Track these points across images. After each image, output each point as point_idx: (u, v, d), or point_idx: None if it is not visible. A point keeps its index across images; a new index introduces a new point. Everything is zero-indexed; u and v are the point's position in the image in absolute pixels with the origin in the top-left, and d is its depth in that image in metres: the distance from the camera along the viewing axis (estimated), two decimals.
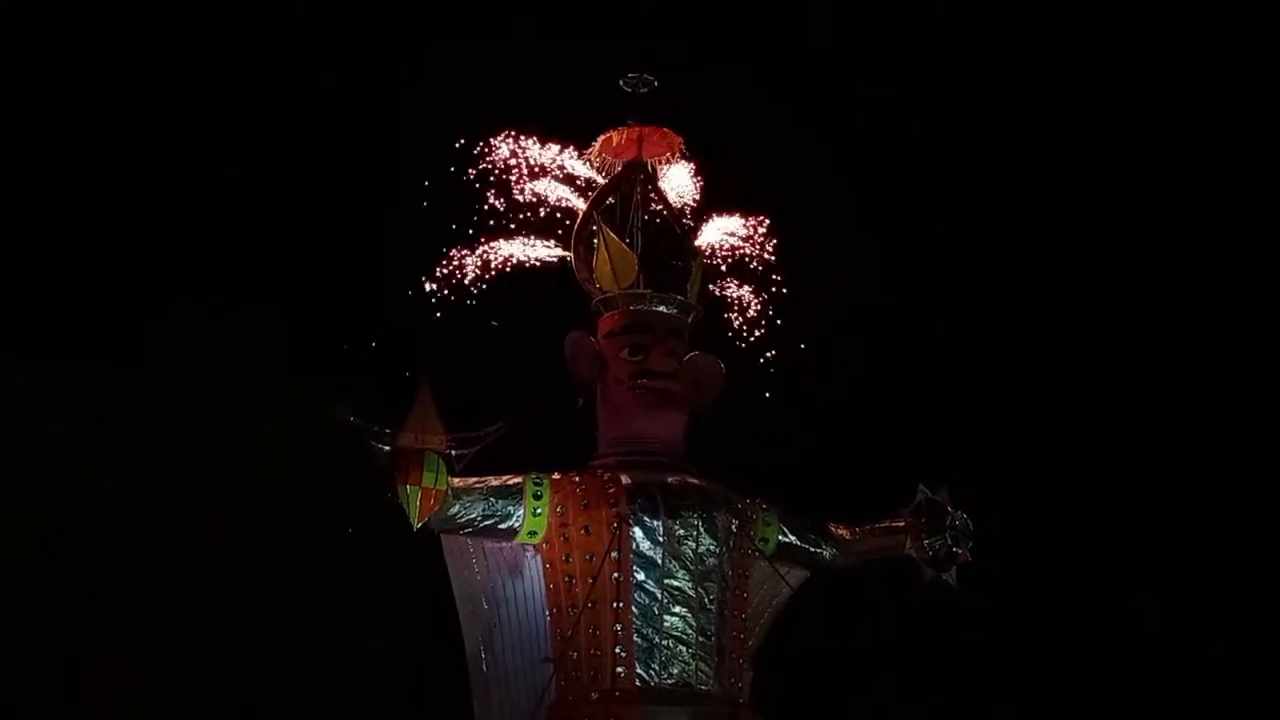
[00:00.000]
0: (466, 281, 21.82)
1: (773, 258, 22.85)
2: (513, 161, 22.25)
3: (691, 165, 22.92)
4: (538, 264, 22.08)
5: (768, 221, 23.01)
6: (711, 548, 20.23)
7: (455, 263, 21.87)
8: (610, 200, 21.98)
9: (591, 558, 19.88)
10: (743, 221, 23.04)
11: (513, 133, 22.43)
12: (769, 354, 22.65)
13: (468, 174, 22.20)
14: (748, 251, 22.94)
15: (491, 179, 22.16)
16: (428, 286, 21.66)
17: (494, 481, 20.07)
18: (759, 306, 22.80)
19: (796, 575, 21.92)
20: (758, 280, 22.85)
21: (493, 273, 21.95)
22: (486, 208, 22.11)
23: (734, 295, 22.78)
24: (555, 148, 22.52)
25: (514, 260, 22.02)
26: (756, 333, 22.74)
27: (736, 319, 22.71)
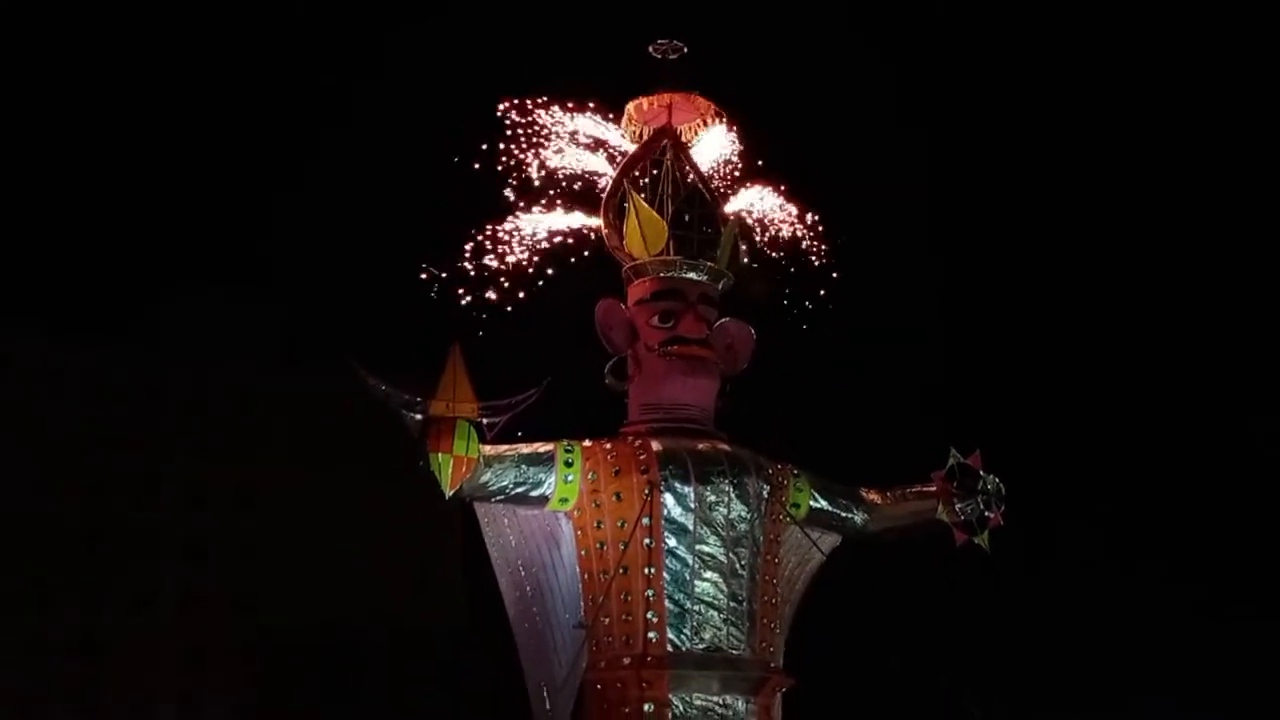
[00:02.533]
0: (498, 251, 21.82)
1: (804, 227, 22.78)
2: (543, 130, 22.21)
3: (725, 129, 22.83)
4: (569, 232, 22.04)
5: (801, 188, 22.99)
6: (743, 513, 20.28)
7: (487, 233, 21.86)
8: (640, 168, 21.96)
9: (623, 524, 19.97)
10: (776, 188, 22.97)
11: (543, 100, 22.38)
12: (804, 312, 22.59)
13: (498, 143, 22.16)
14: (780, 218, 22.87)
15: (522, 147, 22.12)
16: (459, 262, 21.67)
17: (525, 449, 20.13)
18: (791, 273, 22.75)
19: (828, 540, 21.94)
20: (790, 247, 22.78)
21: (524, 243, 21.93)
22: (517, 177, 22.07)
23: (767, 262, 22.73)
24: (586, 116, 22.46)
25: (545, 229, 21.99)
26: (789, 299, 22.70)
27: (770, 286, 22.67)
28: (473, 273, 21.63)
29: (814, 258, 22.64)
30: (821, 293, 22.60)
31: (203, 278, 75.81)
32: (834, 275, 22.53)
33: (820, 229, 22.73)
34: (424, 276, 20.33)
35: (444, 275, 21.00)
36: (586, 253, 22.04)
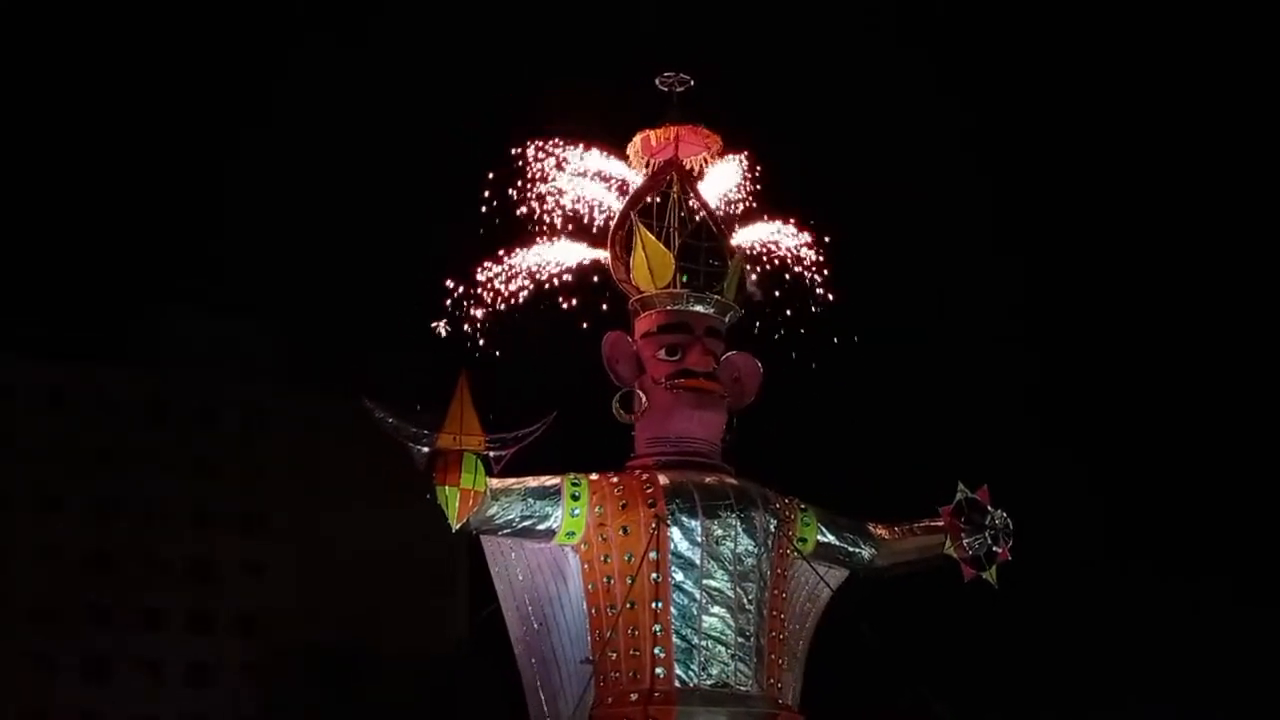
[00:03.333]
0: (506, 284, 21.79)
1: (811, 259, 22.73)
2: (550, 162, 22.20)
3: (733, 163, 22.82)
4: (576, 266, 22.02)
5: (808, 223, 22.94)
6: (750, 548, 20.20)
7: (495, 267, 21.84)
8: (647, 200, 21.94)
9: (630, 558, 19.89)
10: (783, 223, 22.94)
11: (550, 133, 22.38)
12: (803, 353, 22.54)
13: (506, 175, 22.17)
14: (788, 252, 22.83)
15: (530, 179, 22.12)
16: (468, 290, 21.65)
17: (532, 482, 20.07)
18: (797, 307, 22.70)
19: (836, 575, 21.83)
20: (797, 280, 22.74)
21: (531, 275, 21.90)
22: (526, 208, 22.06)
23: (772, 295, 22.68)
24: (592, 148, 22.45)
25: (552, 262, 21.97)
26: (797, 331, 22.64)
27: (775, 318, 22.62)
28: (480, 305, 21.62)
29: (819, 290, 22.59)
30: (829, 326, 22.56)
31: (208, 298, 76.01)
32: (837, 306, 22.47)
33: (826, 262, 22.67)
34: (438, 326, 20.24)
35: (449, 328, 20.92)
36: (594, 285, 22.00)
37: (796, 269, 22.54)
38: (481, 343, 21.50)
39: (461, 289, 21.65)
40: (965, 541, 22.00)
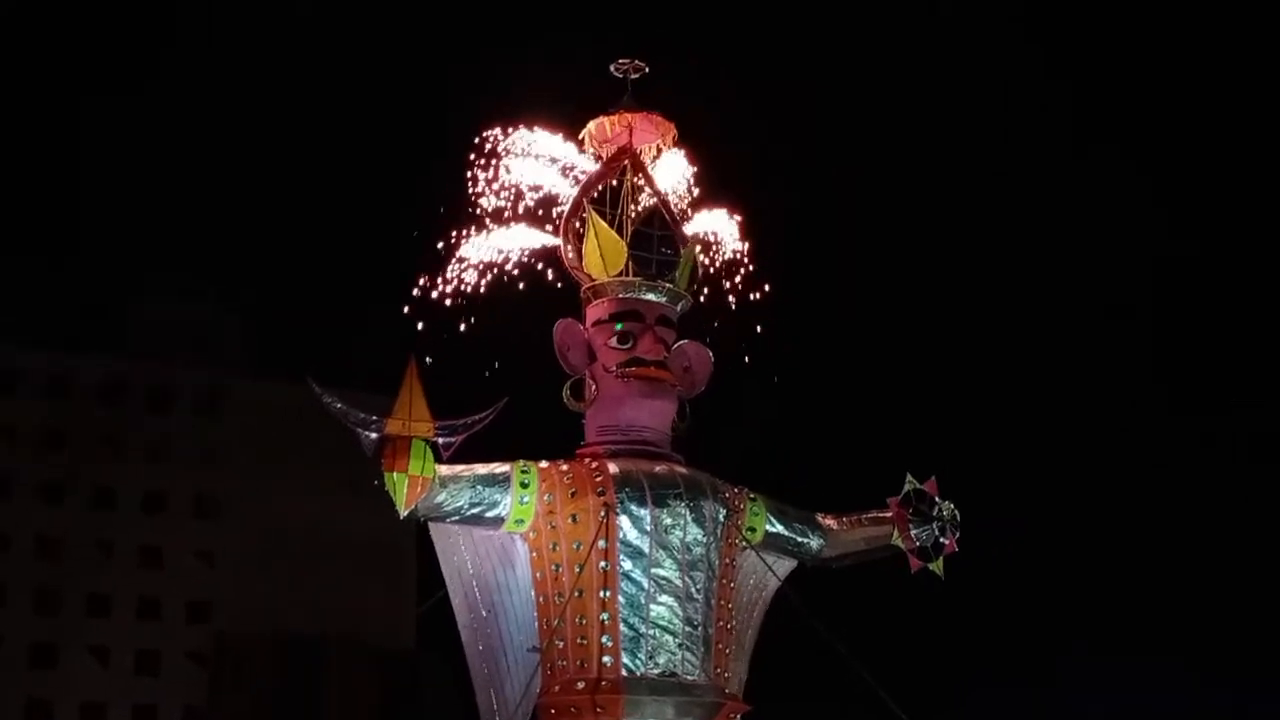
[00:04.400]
0: (456, 268, 21.72)
1: (757, 250, 22.76)
2: (503, 147, 22.12)
3: (685, 152, 22.80)
4: (527, 251, 21.96)
5: (755, 213, 22.97)
6: (699, 537, 20.19)
7: (445, 249, 21.77)
8: (600, 188, 21.90)
9: (579, 546, 19.87)
10: (732, 212, 22.95)
11: (503, 121, 22.31)
12: (754, 343, 22.57)
13: (459, 160, 22.12)
14: (735, 243, 22.84)
15: (482, 164, 22.05)
16: (425, 276, 21.59)
17: (481, 470, 20.01)
18: (746, 296, 22.71)
19: (784, 565, 21.87)
20: (745, 270, 22.75)
21: (482, 261, 21.84)
22: (477, 194, 21.99)
23: (722, 285, 22.68)
24: (546, 134, 22.38)
25: (504, 247, 21.90)
26: (744, 322, 22.65)
27: (725, 307, 22.63)
28: (431, 290, 21.54)
29: (760, 281, 22.61)
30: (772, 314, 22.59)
31: (169, 282, 75.42)
32: (783, 297, 22.51)
33: (769, 252, 22.72)
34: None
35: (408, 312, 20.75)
36: (546, 271, 21.96)
37: (740, 258, 22.57)
38: (436, 331, 21.43)
39: (418, 275, 21.58)
40: (913, 533, 22.07)
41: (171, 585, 71.57)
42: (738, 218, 22.93)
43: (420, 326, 21.26)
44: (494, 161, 22.04)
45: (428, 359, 19.51)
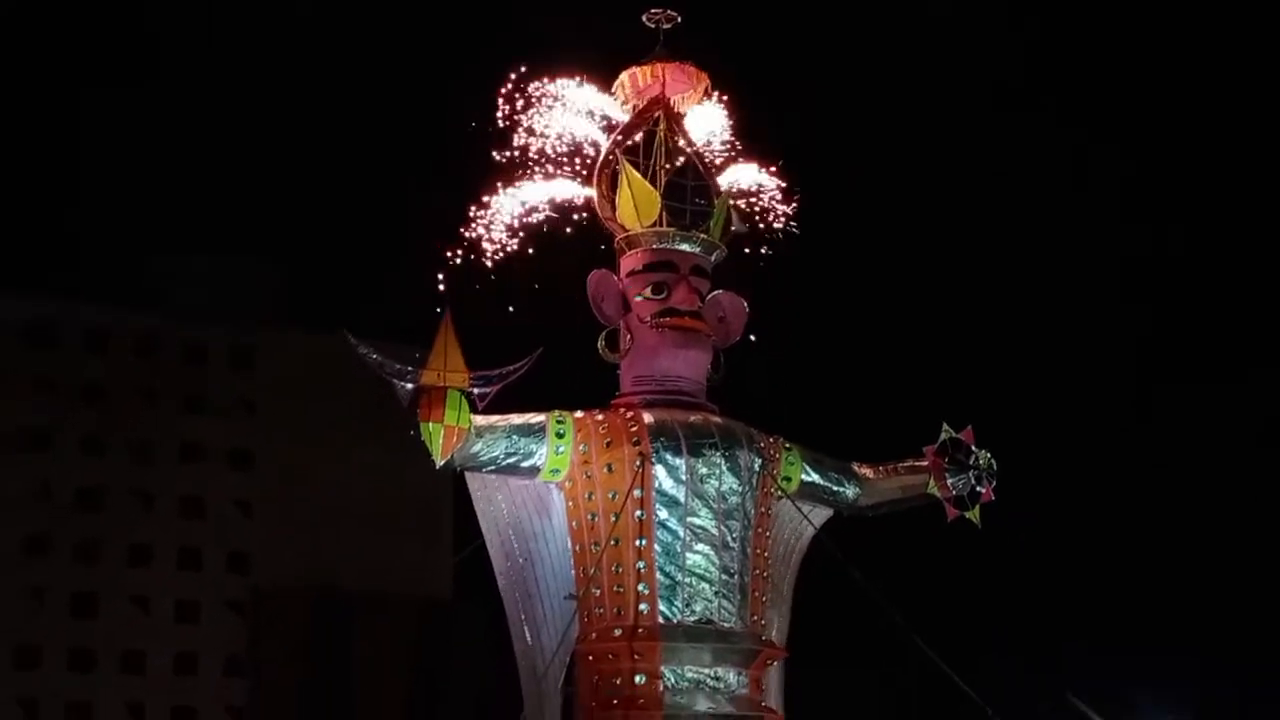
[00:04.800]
0: (492, 220, 21.72)
1: (795, 200, 22.68)
2: (538, 99, 22.07)
3: (719, 101, 22.70)
4: (562, 203, 21.94)
5: (789, 163, 22.87)
6: (734, 486, 20.25)
7: (481, 202, 21.77)
8: (633, 138, 21.83)
9: (614, 495, 19.97)
10: (768, 162, 22.86)
11: (536, 70, 22.24)
12: (781, 293, 22.53)
13: (494, 111, 22.05)
14: (773, 191, 22.76)
15: (515, 117, 22.00)
16: (459, 228, 21.59)
17: (517, 420, 20.09)
18: (782, 243, 22.66)
19: (820, 514, 21.92)
20: (782, 218, 22.69)
21: (518, 213, 21.82)
22: (512, 145, 21.95)
23: (758, 233, 22.62)
24: (580, 85, 22.31)
25: (539, 199, 21.88)
26: (781, 269, 22.62)
27: (761, 256, 22.58)
28: (465, 241, 21.56)
29: (798, 231, 22.54)
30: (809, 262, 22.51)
31: (204, 234, 75.68)
32: (820, 246, 22.43)
33: (802, 201, 22.62)
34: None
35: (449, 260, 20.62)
36: (580, 222, 21.95)
37: (776, 209, 22.50)
38: (471, 283, 21.46)
39: (453, 227, 21.62)
40: (949, 481, 22.06)
41: (211, 535, 72.15)
42: (771, 169, 22.83)
43: (455, 278, 21.29)
44: (528, 112, 22.00)
45: (452, 311, 19.47)
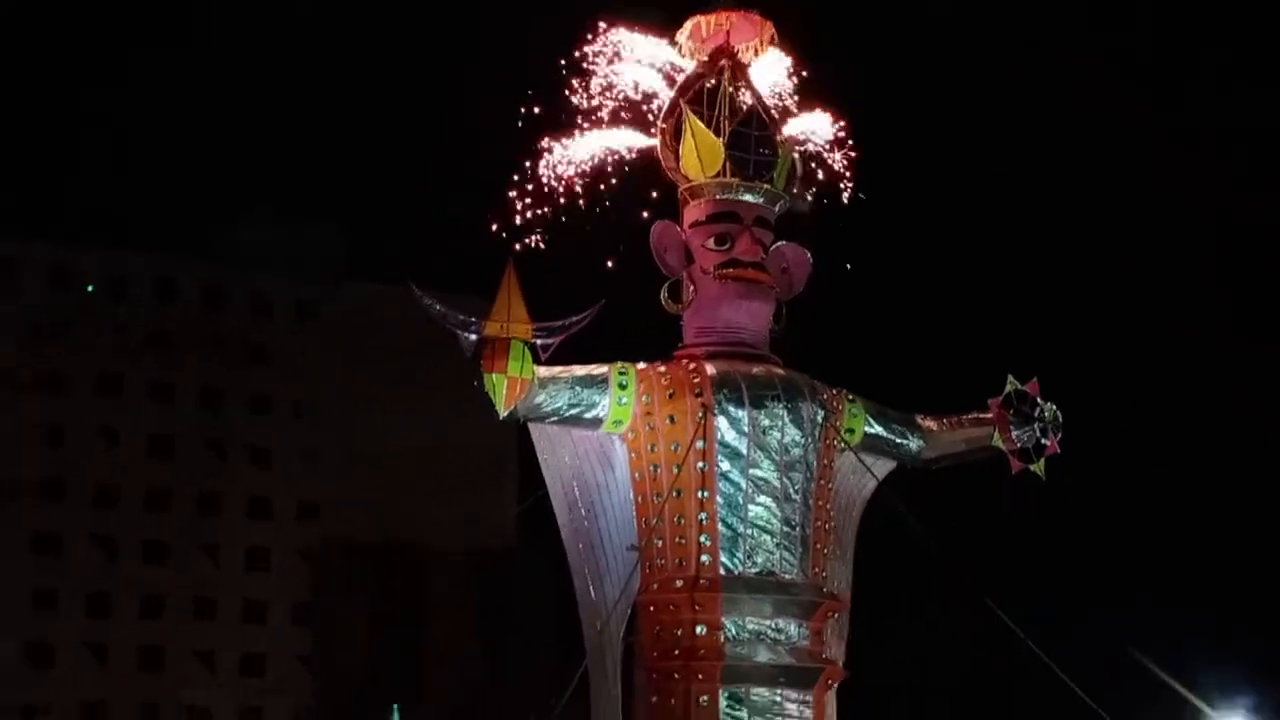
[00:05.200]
0: (555, 170, 21.69)
1: (856, 154, 22.50)
2: (600, 47, 21.98)
3: (784, 52, 22.52)
4: (626, 152, 21.86)
5: (855, 114, 22.68)
6: (797, 438, 20.21)
7: (544, 150, 21.73)
8: (697, 88, 21.69)
9: (676, 447, 19.96)
10: (832, 114, 22.67)
11: (601, 19, 22.13)
12: (845, 247, 22.40)
13: (556, 59, 21.99)
14: (836, 144, 22.58)
15: (580, 66, 21.92)
16: (522, 179, 21.55)
17: (579, 371, 20.11)
18: (849, 197, 22.50)
19: (883, 466, 21.83)
20: (848, 172, 22.52)
21: (581, 162, 21.78)
22: (574, 93, 21.88)
23: (823, 186, 22.47)
24: (643, 35, 22.19)
25: (602, 148, 21.82)
26: (842, 225, 22.47)
27: (825, 208, 22.44)
28: (529, 192, 21.54)
29: (861, 187, 22.36)
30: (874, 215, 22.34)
31: (267, 193, 76.26)
32: (887, 200, 22.22)
33: (867, 155, 22.44)
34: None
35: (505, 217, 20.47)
36: (643, 173, 21.87)
37: (840, 163, 22.33)
38: (534, 233, 21.45)
39: (515, 178, 21.59)
40: (1014, 434, 21.89)
41: (279, 485, 72.90)
42: (839, 121, 22.64)
43: (518, 229, 21.29)
44: (592, 61, 21.92)
45: (516, 262, 19.46)
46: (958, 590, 20.72)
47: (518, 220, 21.44)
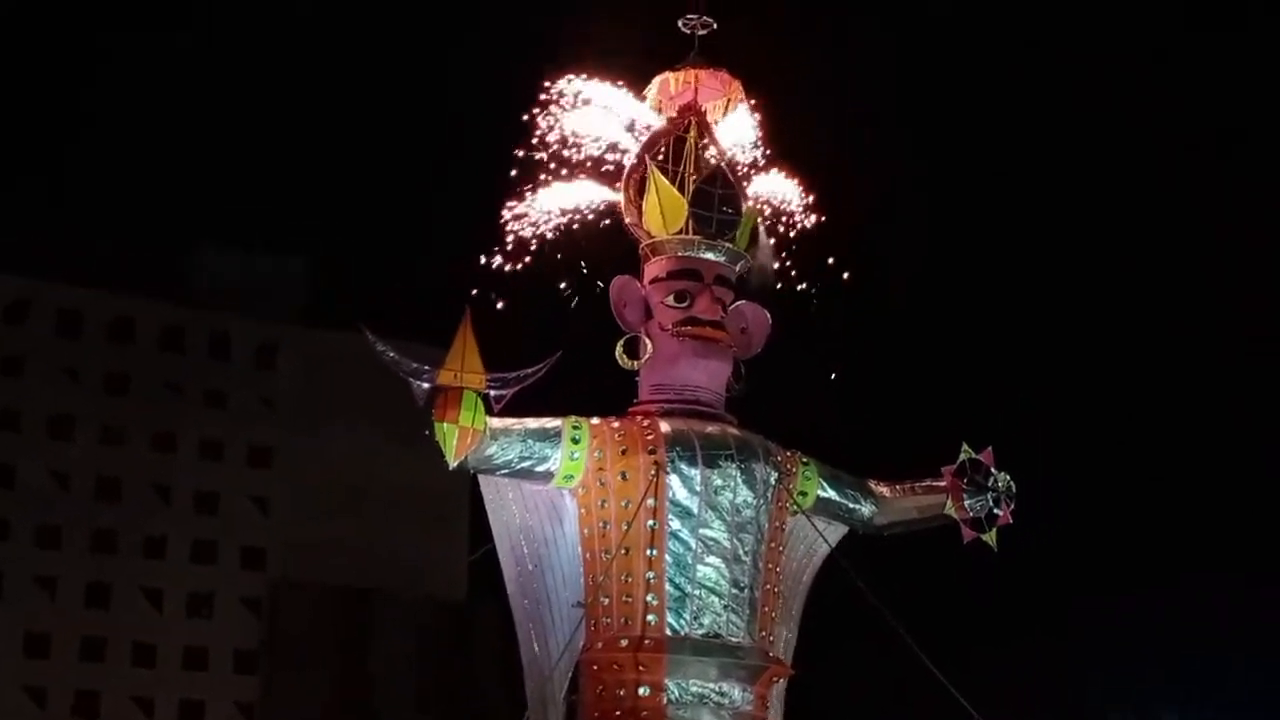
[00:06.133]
0: (516, 221, 21.55)
1: (821, 217, 22.45)
2: (566, 99, 21.89)
3: (751, 111, 22.48)
4: (587, 206, 21.75)
5: (820, 176, 22.66)
6: (749, 499, 20.03)
7: (505, 203, 21.61)
8: (663, 145, 21.62)
9: (627, 504, 19.74)
10: (795, 176, 22.64)
11: (568, 70, 22.05)
12: (814, 303, 22.28)
13: (522, 110, 21.90)
14: (798, 208, 22.53)
15: (545, 116, 21.82)
16: (485, 229, 21.44)
17: (533, 424, 19.90)
18: (806, 259, 22.42)
19: (835, 531, 21.67)
20: (806, 232, 22.46)
21: (542, 214, 21.65)
22: (538, 146, 21.77)
23: (782, 247, 22.38)
24: (611, 86, 22.13)
25: (564, 201, 21.71)
26: (803, 287, 22.36)
27: (784, 272, 22.34)
28: (490, 242, 21.42)
29: (825, 245, 22.31)
30: (835, 279, 22.26)
31: (231, 231, 75.92)
32: (844, 267, 22.16)
33: (829, 217, 22.39)
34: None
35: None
36: (605, 226, 21.76)
37: (801, 224, 22.28)
38: (493, 284, 21.28)
39: (479, 227, 21.48)
40: (967, 503, 21.77)
41: (227, 530, 72.17)
42: (799, 183, 22.61)
43: (477, 279, 21.13)
44: (557, 112, 21.82)
45: (473, 310, 19.29)
46: (907, 658, 20.49)
47: (477, 270, 21.28)
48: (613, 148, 22.04)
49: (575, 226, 21.67)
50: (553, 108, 21.89)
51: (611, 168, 21.95)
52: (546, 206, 21.62)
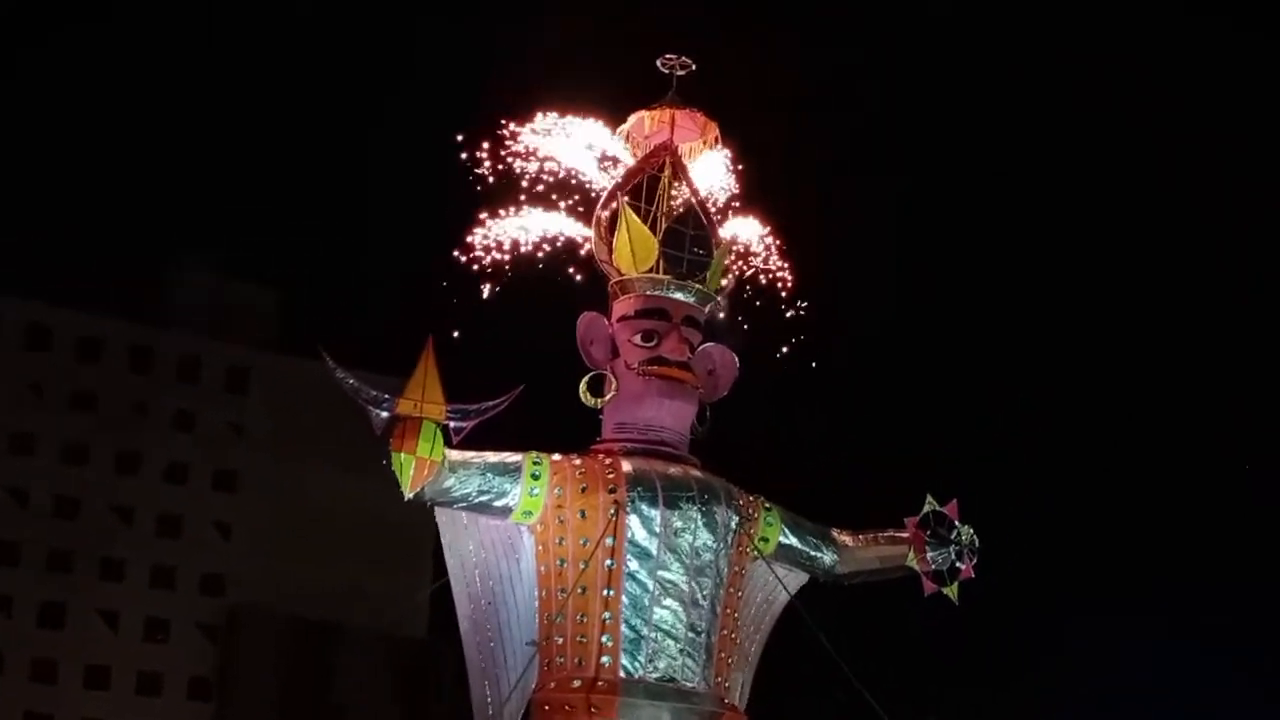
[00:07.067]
0: (486, 255, 21.38)
1: (789, 262, 22.35)
2: (540, 133, 21.76)
3: (726, 152, 22.40)
4: (557, 240, 21.61)
5: (792, 221, 22.57)
6: (709, 542, 19.80)
7: (474, 232, 21.45)
8: (636, 183, 21.48)
9: (585, 543, 19.48)
10: (767, 220, 22.55)
11: (542, 108, 21.94)
12: (783, 351, 22.16)
13: (494, 142, 21.75)
14: (768, 252, 22.42)
15: (519, 149, 21.68)
16: (452, 258, 21.27)
17: (492, 457, 19.66)
18: (777, 304, 22.31)
19: (795, 579, 21.44)
20: (778, 279, 22.34)
21: (511, 246, 21.50)
22: (511, 177, 21.64)
23: (751, 291, 22.27)
24: (586, 121, 22.02)
25: (534, 234, 21.56)
26: (769, 331, 22.25)
27: (753, 314, 22.23)
28: (455, 273, 21.24)
29: (790, 293, 22.20)
30: (801, 334, 22.18)
31: (204, 255, 75.72)
32: (807, 311, 22.06)
33: (798, 266, 22.31)
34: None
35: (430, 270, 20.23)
36: (574, 262, 21.62)
37: (769, 268, 22.17)
38: (457, 315, 21.10)
39: (443, 257, 21.30)
40: (929, 555, 21.59)
41: (187, 555, 71.65)
42: (767, 228, 22.51)
43: (443, 308, 20.96)
44: (528, 144, 21.69)
45: (435, 340, 19.08)
46: (863, 711, 20.26)
47: (442, 300, 21.11)
48: (583, 182, 21.92)
49: (542, 260, 21.52)
50: (524, 140, 21.76)
51: (581, 202, 21.81)
52: (514, 237, 21.46)
